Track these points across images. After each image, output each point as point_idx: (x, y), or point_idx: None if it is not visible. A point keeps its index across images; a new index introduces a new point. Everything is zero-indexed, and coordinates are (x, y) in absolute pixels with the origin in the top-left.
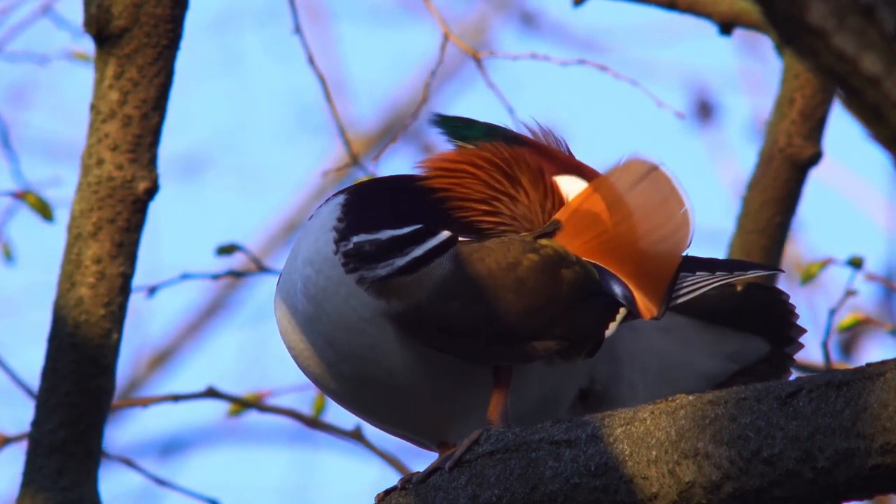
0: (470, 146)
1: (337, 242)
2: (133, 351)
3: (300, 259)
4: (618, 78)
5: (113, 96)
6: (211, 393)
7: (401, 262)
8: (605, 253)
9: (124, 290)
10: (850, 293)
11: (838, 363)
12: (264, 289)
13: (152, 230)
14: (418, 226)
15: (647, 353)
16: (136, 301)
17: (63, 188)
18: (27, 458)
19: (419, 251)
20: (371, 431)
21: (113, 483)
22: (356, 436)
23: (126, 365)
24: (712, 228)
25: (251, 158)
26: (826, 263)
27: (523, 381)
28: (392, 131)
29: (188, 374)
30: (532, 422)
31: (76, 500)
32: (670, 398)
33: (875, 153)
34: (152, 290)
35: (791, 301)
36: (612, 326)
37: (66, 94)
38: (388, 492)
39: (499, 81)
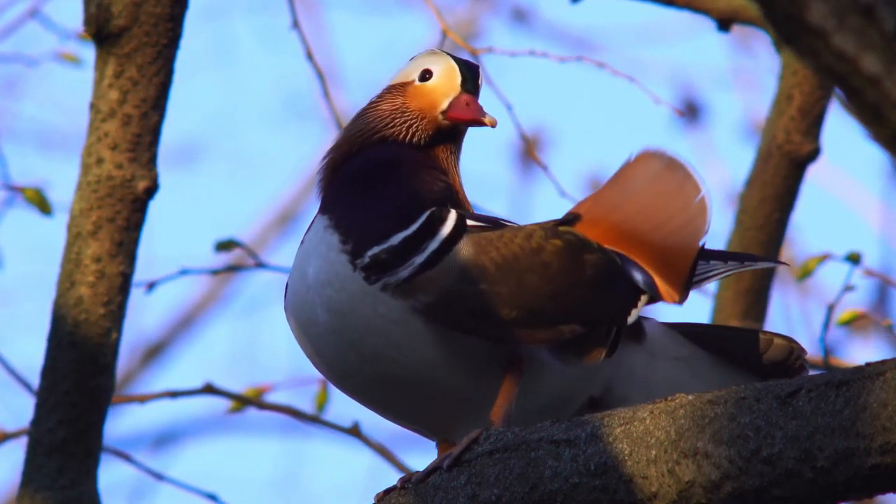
0: None
1: (352, 262)
2: (127, 344)
3: (314, 281)
4: (615, 75)
5: (112, 95)
6: (209, 389)
7: (420, 258)
8: (624, 242)
9: (124, 289)
10: (848, 288)
11: (837, 360)
12: (257, 281)
13: (147, 221)
14: (421, 217)
15: (659, 380)
16: (143, 296)
17: (57, 181)
18: (26, 457)
19: (435, 243)
20: (368, 428)
21: (108, 476)
22: (354, 432)
23: (120, 357)
24: None
25: (244, 147)
26: (824, 259)
27: (538, 381)
28: None
29: (182, 367)
30: (542, 422)
31: (75, 499)
32: (670, 398)
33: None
34: (151, 286)
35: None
36: (635, 313)
37: (57, 84)
38: (387, 491)
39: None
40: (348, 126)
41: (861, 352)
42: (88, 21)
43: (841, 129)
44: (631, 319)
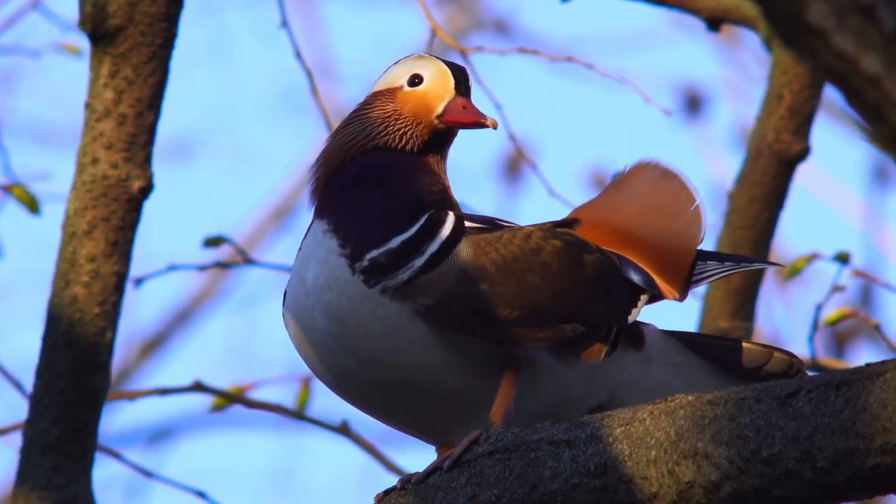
0: None
1: (351, 265)
2: (124, 339)
3: (313, 286)
4: (604, 76)
5: (108, 95)
6: (198, 387)
7: (420, 261)
8: (622, 244)
9: (118, 288)
10: (836, 288)
11: (824, 358)
12: (253, 277)
13: (141, 220)
14: (420, 220)
15: (655, 386)
16: (131, 291)
17: (55, 175)
18: (21, 457)
19: (434, 246)
20: (358, 426)
21: (101, 473)
22: (343, 430)
23: (117, 353)
24: None
25: (240, 142)
26: (812, 258)
27: (537, 382)
28: None
29: (178, 363)
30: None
31: (70, 499)
32: (669, 398)
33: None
34: (139, 281)
35: (804, 368)
36: (635, 312)
37: (55, 79)
38: (387, 492)
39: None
40: (336, 133)
41: (859, 355)
42: (84, 20)
43: (826, 130)
44: (632, 318)
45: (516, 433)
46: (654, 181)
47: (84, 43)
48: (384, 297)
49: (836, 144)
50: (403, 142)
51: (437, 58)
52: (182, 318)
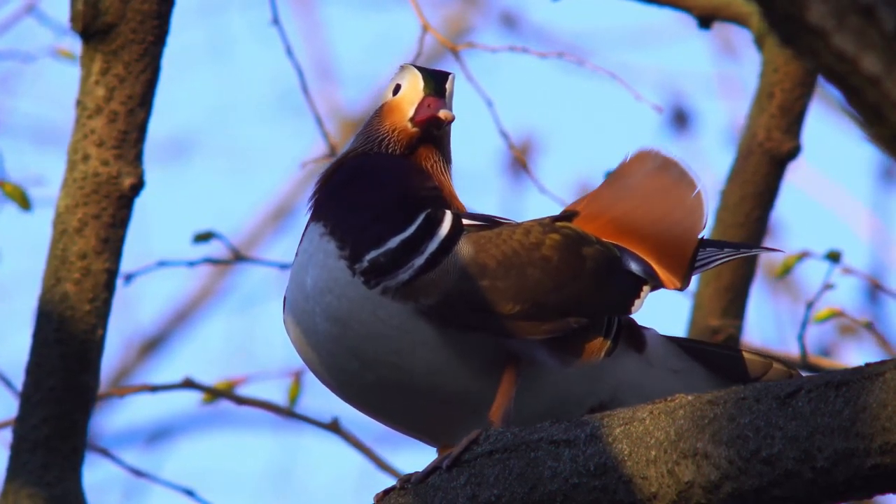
0: None
1: (351, 267)
2: (123, 339)
3: (313, 290)
4: (596, 72)
5: (99, 92)
6: (188, 384)
7: (420, 260)
8: (622, 235)
9: (109, 285)
10: (827, 287)
11: (815, 357)
12: (252, 277)
13: (136, 214)
14: (418, 219)
15: (654, 390)
16: (121, 288)
17: (46, 176)
18: (11, 454)
19: (433, 245)
20: (349, 423)
21: (96, 474)
22: (334, 428)
23: (117, 352)
24: None
25: (239, 142)
26: (803, 256)
27: (536, 381)
28: None
29: (177, 363)
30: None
31: (60, 496)
32: (669, 398)
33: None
34: (129, 278)
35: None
36: (638, 303)
37: (51, 79)
38: (386, 491)
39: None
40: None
41: (849, 354)
42: (75, 18)
43: (819, 128)
44: (635, 309)
45: (516, 433)
46: (655, 170)
47: (77, 43)
48: (385, 297)
49: (832, 142)
50: (385, 149)
51: (416, 66)
52: (181, 318)
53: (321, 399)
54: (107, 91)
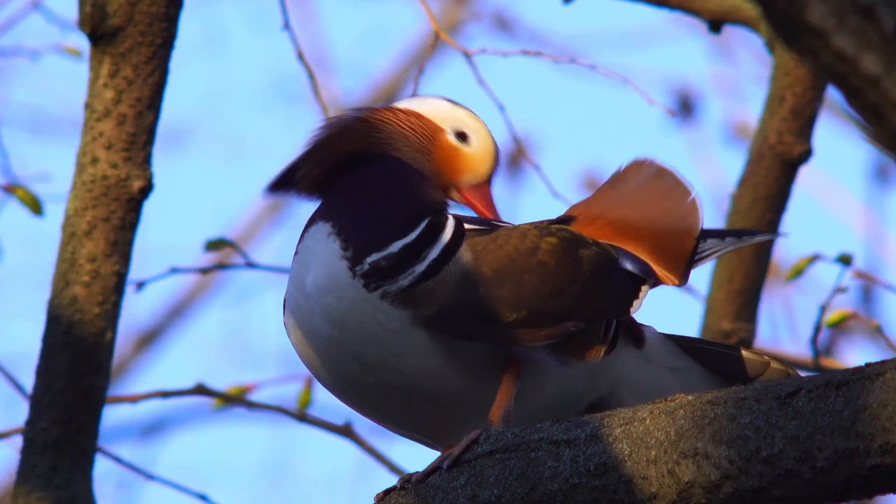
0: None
1: (351, 269)
2: (119, 334)
3: (313, 289)
4: (607, 76)
5: (107, 95)
6: (200, 389)
7: (420, 267)
8: (619, 237)
9: (118, 288)
10: (840, 290)
11: (826, 358)
12: (248, 272)
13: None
14: (421, 225)
15: (651, 388)
16: (133, 294)
17: (52, 170)
18: (21, 457)
19: (435, 252)
20: (360, 426)
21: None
22: (346, 431)
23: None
24: None
25: (234, 132)
26: (814, 259)
27: (536, 381)
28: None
29: (174, 357)
30: (544, 421)
31: (70, 499)
32: (669, 398)
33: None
34: (140, 285)
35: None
36: (637, 304)
37: (52, 72)
38: (387, 491)
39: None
40: (341, 124)
41: (850, 354)
42: (83, 20)
43: (828, 133)
44: (633, 310)
45: (516, 433)
46: (650, 178)
47: (84, 43)
48: (384, 301)
49: (838, 146)
50: (415, 163)
51: (488, 130)
52: (177, 313)
53: (330, 401)
54: (115, 94)
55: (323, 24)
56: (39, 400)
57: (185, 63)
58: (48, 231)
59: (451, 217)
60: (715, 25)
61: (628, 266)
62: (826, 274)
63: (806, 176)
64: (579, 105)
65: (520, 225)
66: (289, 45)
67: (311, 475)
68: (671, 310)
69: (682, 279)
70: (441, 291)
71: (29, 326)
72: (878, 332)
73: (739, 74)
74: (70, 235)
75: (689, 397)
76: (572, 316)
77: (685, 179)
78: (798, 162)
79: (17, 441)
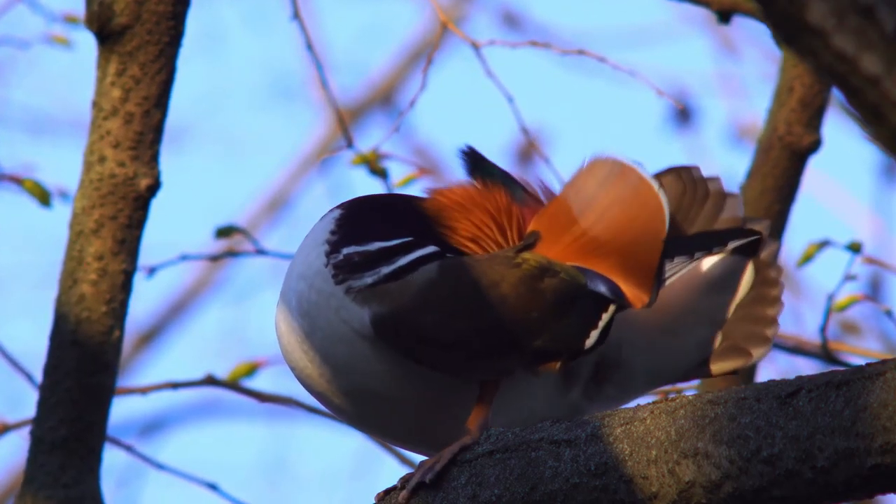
0: (478, 185)
1: (328, 255)
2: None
3: (294, 274)
4: (616, 69)
5: (115, 93)
6: (209, 380)
7: (387, 269)
8: (586, 254)
9: (126, 287)
10: (849, 277)
11: (835, 342)
12: (250, 266)
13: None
14: (408, 238)
15: (657, 349)
16: (143, 282)
17: (46, 166)
18: (29, 456)
19: (405, 260)
20: None
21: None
22: None
23: None
24: None
25: (234, 130)
26: (823, 245)
27: (513, 393)
28: (378, 105)
29: (176, 352)
30: (544, 421)
31: (78, 498)
32: (670, 398)
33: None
34: (152, 271)
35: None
36: (601, 325)
37: (46, 68)
38: (387, 491)
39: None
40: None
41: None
42: (90, 19)
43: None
44: (590, 342)
45: (516, 433)
46: (610, 178)
47: (76, 35)
48: (347, 297)
49: (845, 141)
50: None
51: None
52: (178, 308)
53: None
54: (122, 92)
55: (321, 21)
56: (47, 398)
57: (183, 62)
58: (48, 231)
59: (435, 247)
60: (724, 16)
61: (598, 287)
62: (826, 276)
63: (809, 175)
64: (586, 100)
65: (486, 255)
66: (287, 42)
67: (308, 471)
68: None
69: (651, 296)
70: (396, 296)
71: (29, 326)
72: (888, 316)
73: (741, 71)
74: (77, 234)
75: (690, 397)
76: (527, 348)
77: (648, 174)
78: (807, 152)
79: (18, 439)
